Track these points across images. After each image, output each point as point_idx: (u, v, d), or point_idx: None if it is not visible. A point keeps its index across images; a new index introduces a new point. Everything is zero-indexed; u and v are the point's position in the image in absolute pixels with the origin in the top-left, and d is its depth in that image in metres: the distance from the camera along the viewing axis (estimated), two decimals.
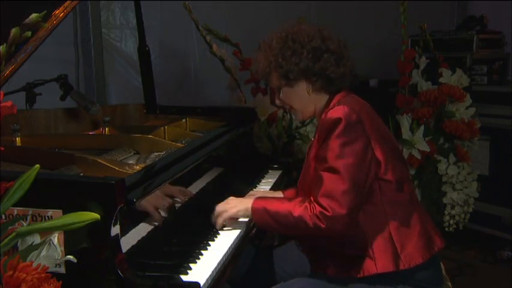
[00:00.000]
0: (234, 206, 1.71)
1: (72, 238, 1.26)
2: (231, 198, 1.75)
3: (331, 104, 1.69)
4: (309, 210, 1.55)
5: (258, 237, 1.96)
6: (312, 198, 1.58)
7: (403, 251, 1.60)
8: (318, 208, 1.54)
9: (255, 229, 1.79)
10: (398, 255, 1.60)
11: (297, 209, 1.58)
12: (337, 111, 1.59)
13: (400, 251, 1.60)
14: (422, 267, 1.62)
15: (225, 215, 1.70)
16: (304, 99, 1.74)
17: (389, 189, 1.64)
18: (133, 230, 1.41)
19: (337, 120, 1.57)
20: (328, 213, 1.52)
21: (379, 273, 1.59)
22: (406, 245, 1.61)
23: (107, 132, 2.20)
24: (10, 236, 1.12)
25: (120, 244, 1.30)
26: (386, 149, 1.64)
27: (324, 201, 1.53)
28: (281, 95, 1.77)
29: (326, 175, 1.57)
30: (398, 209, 1.64)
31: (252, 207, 1.67)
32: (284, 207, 1.62)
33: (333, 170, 1.56)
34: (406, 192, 1.68)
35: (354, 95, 1.74)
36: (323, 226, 1.53)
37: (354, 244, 1.62)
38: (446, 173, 2.95)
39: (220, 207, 1.72)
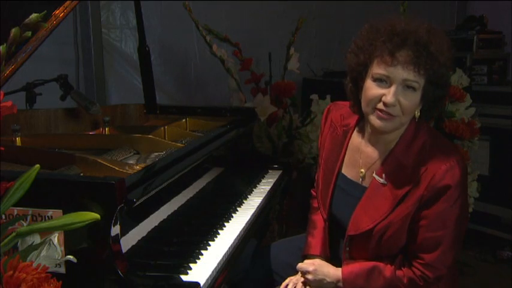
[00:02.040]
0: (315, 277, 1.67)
1: (72, 238, 1.26)
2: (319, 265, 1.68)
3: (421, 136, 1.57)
4: (418, 273, 1.56)
5: (258, 235, 1.96)
6: (417, 260, 1.57)
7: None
8: (428, 272, 1.55)
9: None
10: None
11: (401, 277, 1.57)
12: (454, 177, 1.50)
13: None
14: None
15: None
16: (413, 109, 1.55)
17: None
18: (133, 230, 1.40)
19: (451, 187, 1.50)
20: (432, 277, 1.55)
21: None
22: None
23: (107, 132, 2.20)
24: (10, 236, 1.12)
25: (120, 244, 1.30)
26: None
27: (435, 264, 1.55)
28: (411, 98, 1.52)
29: (432, 239, 1.54)
30: None
31: (343, 278, 1.63)
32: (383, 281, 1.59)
33: (440, 234, 1.54)
34: None
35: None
36: (423, 285, 1.57)
37: None
38: None
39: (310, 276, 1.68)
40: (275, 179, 2.31)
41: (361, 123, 1.69)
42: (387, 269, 1.58)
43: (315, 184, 1.89)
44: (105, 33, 3.17)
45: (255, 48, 3.41)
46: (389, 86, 1.48)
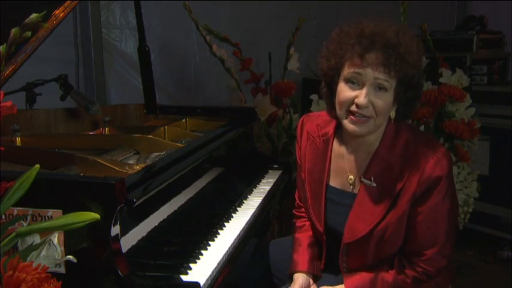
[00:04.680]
0: None
1: (72, 238, 1.26)
2: None
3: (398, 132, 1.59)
4: (420, 271, 1.57)
5: (258, 235, 1.96)
6: (418, 257, 1.57)
7: None
8: (429, 267, 1.57)
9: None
10: None
11: (405, 278, 1.58)
12: (443, 168, 1.52)
13: None
14: None
15: None
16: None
17: None
18: (133, 230, 1.40)
19: (442, 178, 1.53)
20: (434, 270, 1.57)
21: None
22: None
23: (107, 132, 2.20)
24: (10, 236, 1.12)
25: (120, 244, 1.30)
26: None
27: (435, 257, 1.57)
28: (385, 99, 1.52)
29: (430, 234, 1.56)
30: None
31: None
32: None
33: (437, 228, 1.56)
34: None
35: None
36: (426, 280, 1.58)
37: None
38: None
39: None
40: (275, 179, 2.31)
41: (340, 129, 1.67)
42: (389, 275, 1.58)
43: (297, 203, 1.89)
44: (105, 33, 3.17)
45: (255, 48, 3.41)
46: (361, 88, 1.49)
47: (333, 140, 1.68)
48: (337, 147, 1.68)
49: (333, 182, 1.67)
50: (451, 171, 1.56)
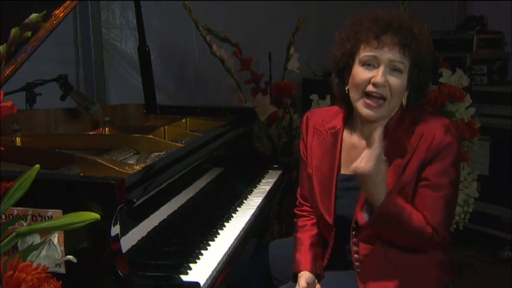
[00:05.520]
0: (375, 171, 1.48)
1: (72, 238, 1.26)
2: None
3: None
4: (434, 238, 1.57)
5: (258, 235, 1.96)
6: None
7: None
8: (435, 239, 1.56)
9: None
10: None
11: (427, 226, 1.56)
12: (453, 134, 1.57)
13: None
14: None
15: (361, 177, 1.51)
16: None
17: None
18: (133, 230, 1.40)
19: (453, 142, 1.57)
20: (438, 241, 1.57)
21: None
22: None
23: (107, 132, 2.20)
24: (10, 236, 1.12)
25: (120, 244, 1.30)
26: None
27: (439, 229, 1.56)
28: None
29: (443, 200, 1.56)
30: None
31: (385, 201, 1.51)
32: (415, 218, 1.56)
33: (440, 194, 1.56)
34: None
35: None
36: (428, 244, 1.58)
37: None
38: None
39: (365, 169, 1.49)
40: (275, 179, 2.31)
41: (349, 121, 1.70)
42: (419, 215, 1.56)
43: (299, 201, 1.88)
44: (105, 33, 3.18)
45: (255, 48, 3.41)
46: (377, 68, 1.53)
47: (343, 131, 1.70)
48: (347, 138, 1.70)
49: (344, 171, 1.68)
50: (458, 140, 1.60)
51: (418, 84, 1.59)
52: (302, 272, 1.68)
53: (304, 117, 1.82)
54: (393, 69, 1.53)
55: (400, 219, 1.53)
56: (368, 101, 1.54)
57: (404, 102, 1.60)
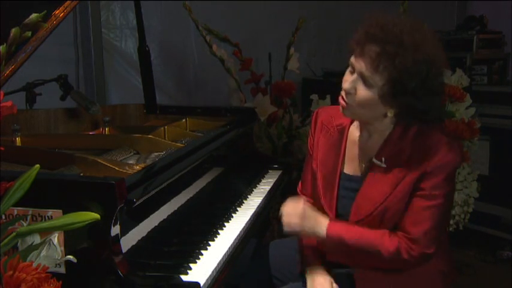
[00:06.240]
0: (300, 226, 1.62)
1: (72, 238, 1.26)
2: (302, 211, 1.62)
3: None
4: (403, 245, 1.56)
5: (258, 235, 1.96)
6: (405, 234, 1.57)
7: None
8: (414, 246, 1.55)
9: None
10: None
11: (388, 243, 1.56)
12: (457, 154, 1.57)
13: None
14: None
15: (286, 229, 1.64)
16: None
17: None
18: (133, 230, 1.40)
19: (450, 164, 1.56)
20: (417, 252, 1.56)
21: None
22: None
23: (107, 132, 2.20)
24: (10, 236, 1.12)
25: (120, 244, 1.30)
26: None
27: (421, 239, 1.55)
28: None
29: (433, 209, 1.56)
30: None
31: (327, 235, 1.60)
32: (366, 238, 1.58)
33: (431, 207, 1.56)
34: None
35: None
36: (408, 259, 1.56)
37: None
38: None
39: (287, 218, 1.63)
40: (275, 179, 2.31)
41: None
42: (385, 243, 1.57)
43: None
44: (105, 33, 3.18)
45: (255, 48, 3.41)
46: (354, 73, 1.54)
47: (349, 128, 1.72)
48: (352, 135, 1.72)
49: (347, 169, 1.70)
50: (459, 164, 1.60)
51: (397, 104, 1.52)
52: (315, 269, 1.69)
53: (314, 114, 1.84)
54: (363, 80, 1.50)
55: (348, 241, 1.58)
56: (339, 97, 1.58)
57: (390, 115, 1.55)
